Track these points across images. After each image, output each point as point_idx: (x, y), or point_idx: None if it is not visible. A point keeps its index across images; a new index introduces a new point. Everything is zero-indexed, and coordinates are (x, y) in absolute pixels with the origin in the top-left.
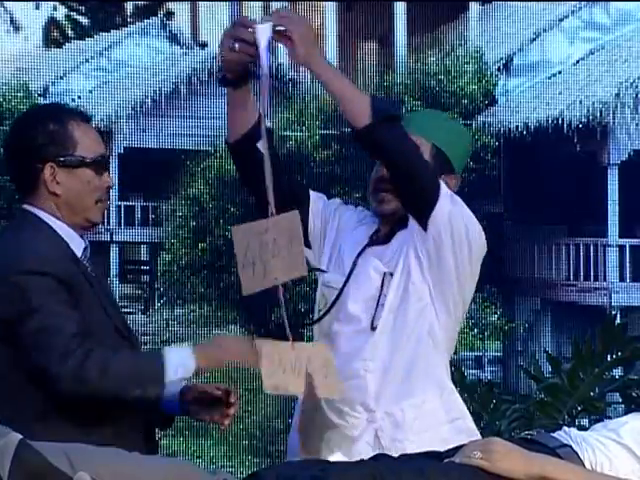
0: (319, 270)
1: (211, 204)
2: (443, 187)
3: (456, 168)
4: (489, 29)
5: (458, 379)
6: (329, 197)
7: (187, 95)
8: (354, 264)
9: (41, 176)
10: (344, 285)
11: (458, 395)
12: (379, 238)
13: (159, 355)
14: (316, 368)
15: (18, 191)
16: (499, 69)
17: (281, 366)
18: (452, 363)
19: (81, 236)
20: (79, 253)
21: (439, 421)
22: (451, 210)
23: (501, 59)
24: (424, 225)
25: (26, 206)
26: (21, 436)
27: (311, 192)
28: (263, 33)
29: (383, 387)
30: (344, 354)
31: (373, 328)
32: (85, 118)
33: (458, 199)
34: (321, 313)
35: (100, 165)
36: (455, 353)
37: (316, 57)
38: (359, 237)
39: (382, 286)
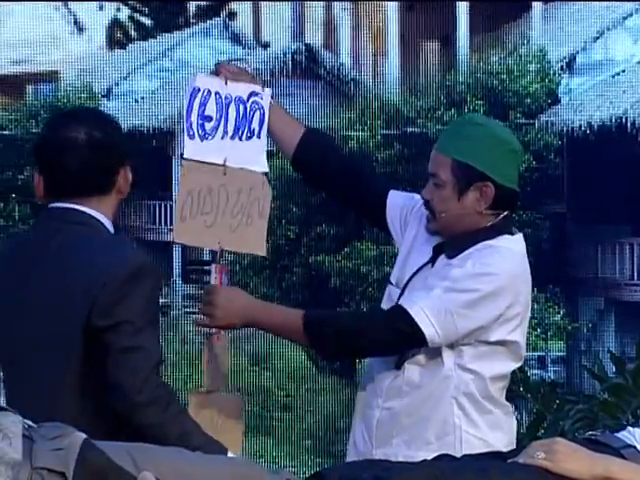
0: (390, 282)
1: (273, 204)
2: (420, 320)
3: (490, 174)
4: (552, 28)
5: (522, 379)
6: None
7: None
8: (405, 286)
9: (117, 178)
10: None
11: (471, 442)
12: (433, 252)
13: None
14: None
15: (74, 191)
16: (562, 68)
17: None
18: None
19: None
20: None
21: None
22: (440, 333)
23: (564, 58)
24: None
25: (80, 207)
26: (85, 435)
27: (391, 192)
28: (191, 82)
29: (388, 429)
30: (371, 379)
31: (397, 366)
32: None
33: (446, 310)
34: None
35: None
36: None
37: (248, 319)
38: (428, 248)
39: None
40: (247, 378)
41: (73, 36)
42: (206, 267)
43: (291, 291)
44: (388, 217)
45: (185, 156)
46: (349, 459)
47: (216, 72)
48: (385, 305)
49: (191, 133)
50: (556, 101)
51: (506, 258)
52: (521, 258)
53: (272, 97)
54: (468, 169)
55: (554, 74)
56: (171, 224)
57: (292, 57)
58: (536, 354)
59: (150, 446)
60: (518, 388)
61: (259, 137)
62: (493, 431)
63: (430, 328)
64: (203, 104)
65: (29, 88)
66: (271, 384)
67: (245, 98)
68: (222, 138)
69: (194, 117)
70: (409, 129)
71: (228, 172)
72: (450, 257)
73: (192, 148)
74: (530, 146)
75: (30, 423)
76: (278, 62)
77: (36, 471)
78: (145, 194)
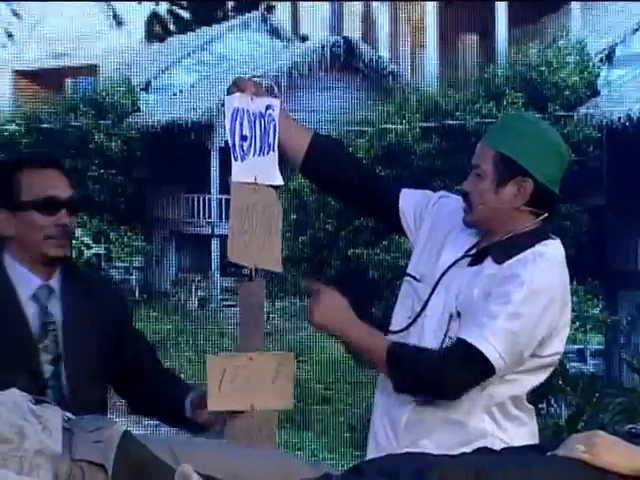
0: (411, 277)
1: (311, 197)
2: (491, 356)
3: (531, 170)
4: (591, 20)
5: (561, 372)
6: (431, 190)
7: (287, 89)
8: (436, 283)
9: None
10: (425, 305)
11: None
12: (476, 254)
13: None
14: (276, 379)
15: None
16: (601, 60)
17: (233, 382)
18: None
19: (50, 278)
20: (26, 294)
21: None
22: (508, 363)
23: (603, 50)
24: None
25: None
26: (125, 428)
27: (403, 191)
28: (230, 102)
29: (417, 430)
30: None
31: None
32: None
33: (506, 338)
34: (402, 326)
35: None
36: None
37: (339, 330)
38: (459, 245)
39: (448, 327)
40: None
41: (112, 30)
42: (248, 267)
43: (329, 284)
44: (402, 216)
45: (232, 178)
46: (370, 454)
47: (237, 88)
48: (405, 300)
49: (235, 155)
50: (595, 93)
51: (556, 268)
52: (565, 267)
53: (282, 107)
54: (510, 163)
55: (593, 66)
56: (210, 217)
57: (330, 50)
58: (575, 347)
59: (190, 439)
60: (557, 381)
61: (274, 150)
62: (518, 434)
63: (497, 359)
64: (240, 124)
65: (68, 81)
66: (310, 377)
67: (264, 112)
68: (253, 156)
69: (237, 139)
70: (447, 122)
71: (257, 190)
72: (499, 262)
73: (237, 169)
74: (569, 138)
75: (70, 415)
76: (316, 55)
77: (76, 464)
78: (183, 187)
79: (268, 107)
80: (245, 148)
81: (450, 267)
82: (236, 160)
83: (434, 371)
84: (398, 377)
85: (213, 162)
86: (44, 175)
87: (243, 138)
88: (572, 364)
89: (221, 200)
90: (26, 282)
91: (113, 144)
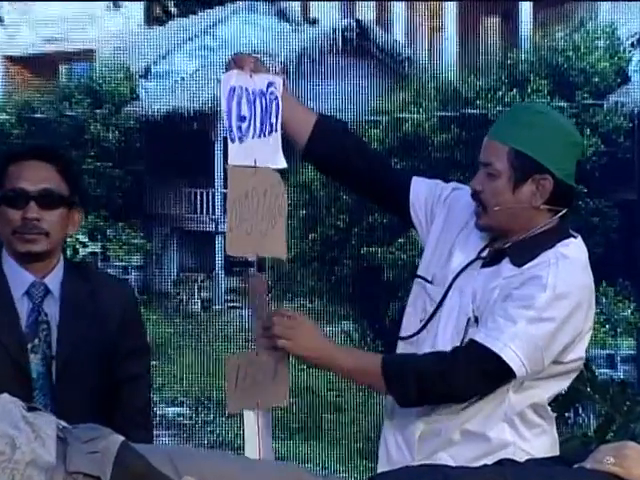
0: (422, 279)
1: (322, 192)
2: (508, 358)
3: (550, 167)
4: (621, 1)
5: (589, 379)
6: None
7: (296, 74)
8: (450, 285)
9: None
10: (437, 307)
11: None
12: (489, 255)
13: None
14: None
15: None
16: (633, 45)
17: (246, 380)
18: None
19: (44, 276)
20: (19, 290)
21: None
22: (528, 368)
23: (635, 34)
24: None
25: None
26: (123, 438)
27: (414, 179)
28: (226, 80)
29: (433, 443)
30: None
31: None
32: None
33: (527, 344)
34: (413, 331)
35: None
36: (586, 351)
37: (325, 355)
38: (471, 244)
39: (465, 332)
40: (295, 378)
41: (109, 12)
42: (250, 259)
43: (341, 284)
44: (412, 209)
45: (229, 162)
46: (381, 467)
47: (236, 64)
48: (416, 302)
49: (232, 136)
50: (626, 80)
51: (579, 270)
52: (589, 268)
53: (284, 84)
54: (526, 159)
55: (624, 51)
56: (213, 213)
57: (342, 34)
58: (605, 352)
59: (192, 450)
60: (585, 388)
61: (276, 131)
62: (539, 444)
63: (519, 365)
64: (238, 104)
65: (62, 68)
66: (320, 384)
67: (265, 90)
68: (252, 137)
69: (233, 119)
70: (468, 111)
71: (257, 173)
72: (517, 265)
73: (234, 152)
74: (598, 128)
75: (64, 424)
76: (327, 40)
77: (71, 476)
78: (185, 181)
79: (270, 85)
80: (243, 129)
81: (463, 269)
82: (233, 142)
83: (440, 376)
84: (400, 390)
85: (217, 154)
86: (22, 167)
87: (241, 119)
88: (601, 370)
89: (225, 195)
90: (19, 278)
91: (110, 135)
